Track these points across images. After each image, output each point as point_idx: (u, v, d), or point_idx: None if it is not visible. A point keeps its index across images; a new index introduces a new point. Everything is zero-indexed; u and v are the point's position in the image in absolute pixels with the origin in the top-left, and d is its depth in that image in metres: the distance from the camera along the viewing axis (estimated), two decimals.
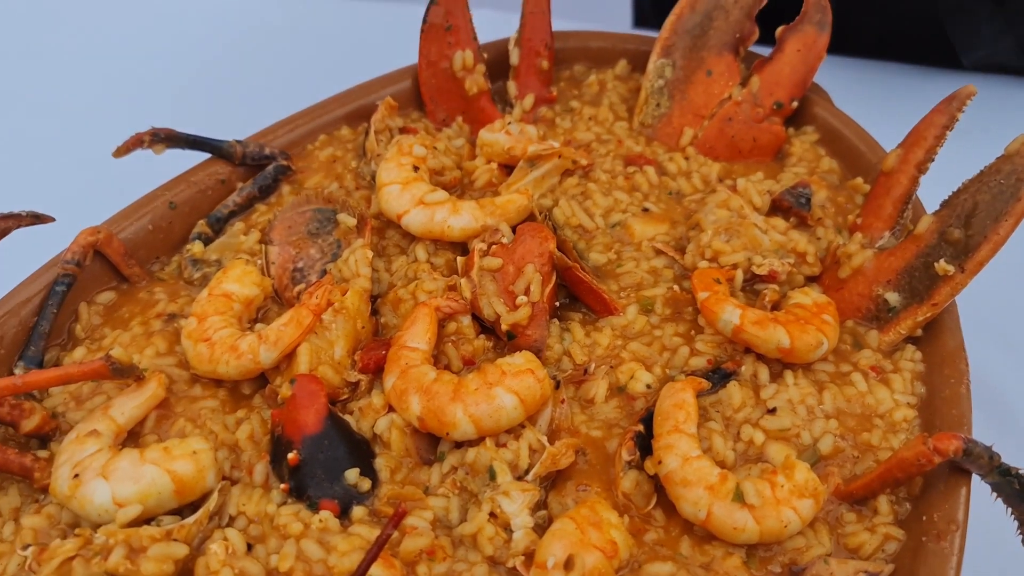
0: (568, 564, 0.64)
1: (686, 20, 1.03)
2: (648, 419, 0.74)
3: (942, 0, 1.27)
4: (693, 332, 0.82)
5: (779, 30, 1.02)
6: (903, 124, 0.88)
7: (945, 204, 0.83)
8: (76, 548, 0.65)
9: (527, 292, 0.80)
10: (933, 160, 0.85)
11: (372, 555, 0.63)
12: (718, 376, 0.78)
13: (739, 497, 0.68)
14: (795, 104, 1.01)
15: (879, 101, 1.28)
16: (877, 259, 0.85)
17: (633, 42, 1.10)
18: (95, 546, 0.65)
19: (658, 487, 0.72)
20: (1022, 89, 1.35)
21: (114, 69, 1.29)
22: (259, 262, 0.87)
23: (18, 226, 0.76)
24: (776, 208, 0.93)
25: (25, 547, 0.67)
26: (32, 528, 0.70)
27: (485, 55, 1.03)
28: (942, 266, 0.79)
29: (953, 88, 0.85)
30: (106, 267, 0.86)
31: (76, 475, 0.68)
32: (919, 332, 0.83)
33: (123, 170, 0.91)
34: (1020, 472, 0.70)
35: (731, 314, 0.78)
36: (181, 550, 0.65)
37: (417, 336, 0.78)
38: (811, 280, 0.88)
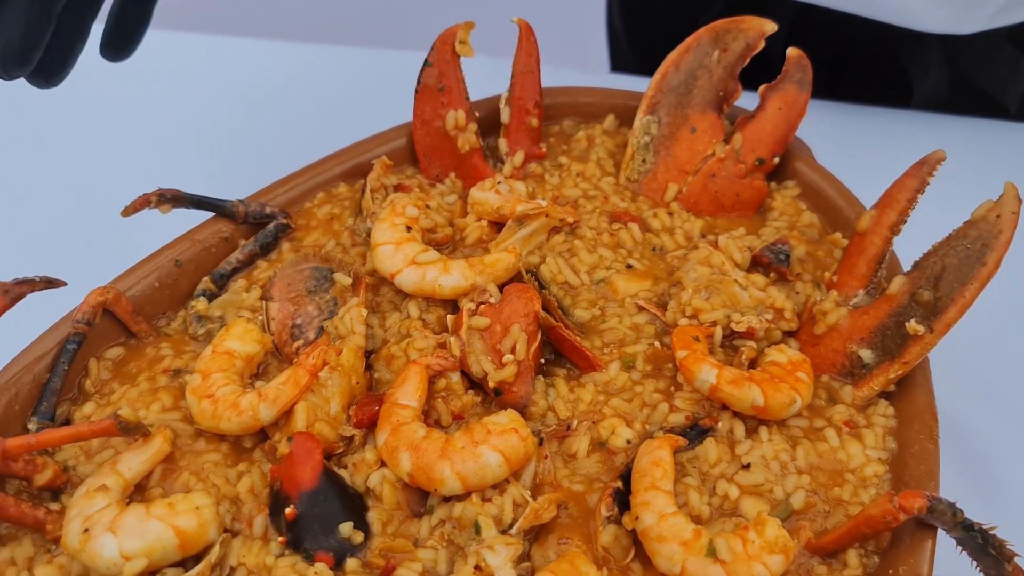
0: None
1: (671, 79, 1.08)
2: (627, 475, 0.78)
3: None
4: (672, 388, 0.86)
5: (761, 89, 1.06)
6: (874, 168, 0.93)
7: (916, 266, 0.86)
8: None
9: (513, 351, 0.84)
10: (905, 221, 0.89)
11: None
12: (695, 432, 0.82)
13: (711, 553, 0.72)
14: (776, 160, 1.05)
15: (850, 143, 1.34)
16: (851, 317, 0.88)
17: (621, 97, 1.14)
18: None
19: (636, 540, 0.76)
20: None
21: (117, 132, 1.35)
22: (260, 318, 0.91)
23: (32, 290, 0.81)
24: (756, 264, 0.97)
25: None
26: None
27: (477, 113, 1.07)
28: (912, 326, 0.83)
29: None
30: (115, 324, 0.90)
31: (86, 529, 0.72)
32: (892, 387, 0.86)
33: (130, 229, 0.95)
34: (983, 527, 0.73)
35: (708, 373, 0.82)
36: None
37: (408, 394, 0.82)
38: (788, 335, 0.92)
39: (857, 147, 1.33)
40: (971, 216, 0.83)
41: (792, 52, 1.05)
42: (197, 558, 0.74)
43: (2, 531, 0.79)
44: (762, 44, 1.07)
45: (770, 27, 1.06)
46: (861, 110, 1.43)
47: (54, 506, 0.78)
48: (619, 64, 1.82)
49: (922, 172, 0.88)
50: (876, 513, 0.73)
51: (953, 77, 1.44)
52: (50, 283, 0.82)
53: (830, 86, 1.31)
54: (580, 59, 1.60)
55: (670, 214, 1.03)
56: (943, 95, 1.46)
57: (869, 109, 1.43)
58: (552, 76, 1.11)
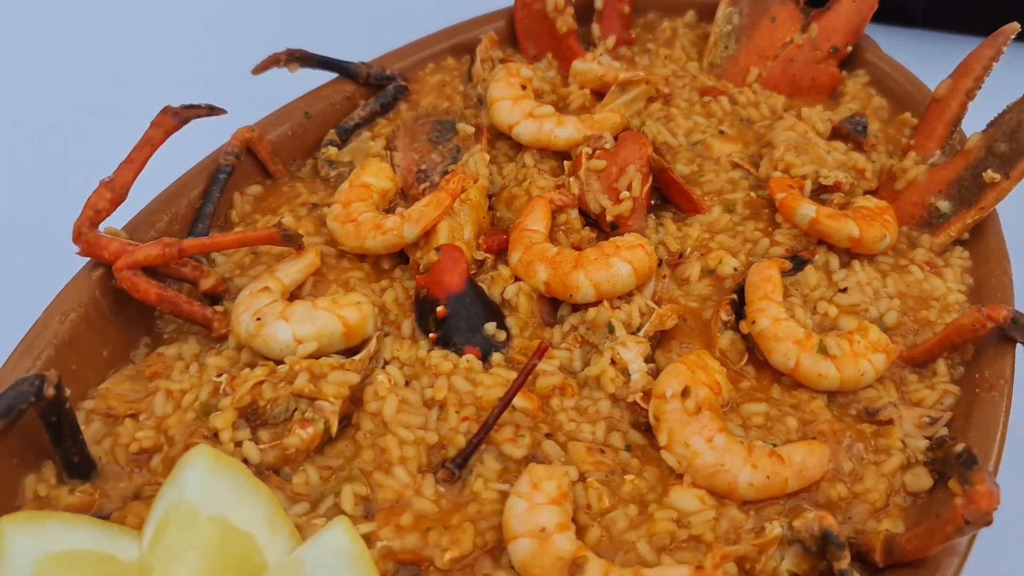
0: (684, 393, 0.76)
1: None
2: (739, 291, 0.86)
3: None
4: (771, 228, 0.94)
5: None
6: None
7: (992, 124, 0.95)
8: (265, 375, 0.77)
9: (629, 188, 0.92)
10: (980, 88, 0.98)
11: (520, 381, 0.75)
12: (796, 262, 0.90)
13: (823, 350, 0.80)
14: (849, 49, 1.14)
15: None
16: (929, 173, 0.97)
17: None
18: (280, 373, 0.77)
19: (748, 347, 0.84)
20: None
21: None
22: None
23: (197, 116, 0.88)
24: (835, 135, 1.05)
25: (219, 375, 0.79)
26: (216, 366, 0.81)
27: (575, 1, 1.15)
28: (989, 175, 0.92)
29: None
30: (254, 165, 0.98)
31: (258, 319, 0.80)
32: (966, 235, 0.95)
33: (260, 85, 1.02)
34: None
35: (807, 209, 0.90)
36: (354, 378, 0.77)
37: (536, 221, 0.90)
38: (868, 194, 1.01)
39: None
40: None
41: None
42: (353, 352, 0.81)
43: (167, 334, 0.87)
44: None
45: None
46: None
47: (218, 311, 0.85)
48: None
49: (997, 42, 0.97)
50: (966, 323, 0.82)
51: None
52: (212, 110, 0.89)
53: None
54: None
55: (754, 92, 1.11)
56: None
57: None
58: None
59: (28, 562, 0.59)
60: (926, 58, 1.17)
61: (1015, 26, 0.97)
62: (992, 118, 0.95)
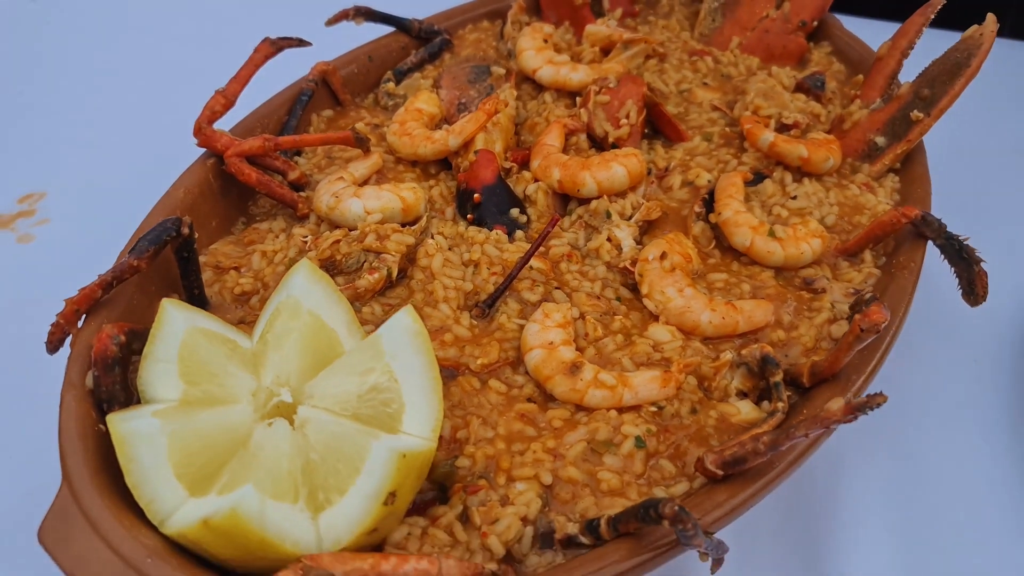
0: (662, 256, 0.99)
1: None
2: (711, 193, 1.09)
3: None
4: (740, 153, 1.17)
5: None
6: None
7: (919, 75, 1.18)
8: (341, 235, 1.00)
9: (627, 117, 1.16)
10: (913, 47, 1.21)
11: (538, 242, 0.98)
12: (757, 177, 1.13)
13: (772, 234, 1.03)
14: (815, 24, 1.38)
15: None
16: (870, 115, 1.20)
17: None
18: (353, 235, 1.00)
19: (716, 236, 1.07)
20: None
21: None
22: None
23: (289, 46, 1.12)
24: (799, 88, 1.29)
25: (304, 237, 1.02)
26: (300, 234, 1.04)
27: None
28: (915, 114, 1.15)
29: None
30: (328, 94, 1.22)
31: (336, 196, 1.03)
32: (898, 165, 1.18)
33: (331, 34, 1.27)
34: (959, 237, 1.04)
35: (768, 135, 1.14)
36: (410, 239, 1.00)
37: (552, 138, 1.13)
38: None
39: None
40: (961, 37, 1.16)
41: None
42: (410, 226, 1.05)
43: (259, 216, 1.11)
44: None
45: None
46: None
47: (301, 195, 1.09)
48: None
49: (927, 11, 1.20)
50: (886, 219, 1.04)
51: None
52: (301, 42, 1.13)
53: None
54: None
55: (734, 55, 1.35)
56: None
57: None
58: None
59: (181, 328, 0.83)
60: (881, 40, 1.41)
61: (940, 0, 1.20)
62: (920, 71, 1.19)
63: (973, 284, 1.02)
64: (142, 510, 0.74)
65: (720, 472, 0.81)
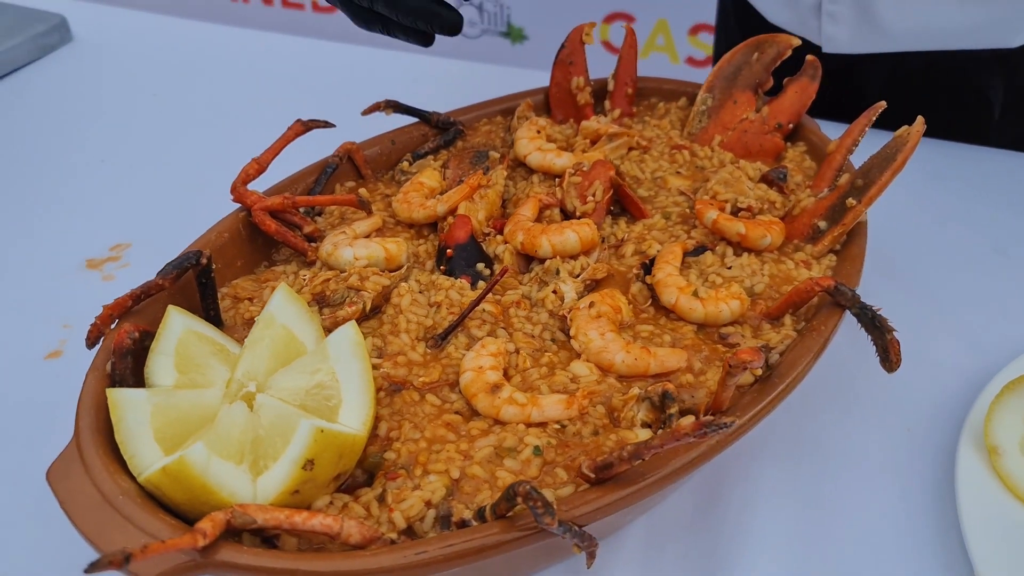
0: (591, 305, 1.16)
1: (724, 70, 1.59)
2: (652, 260, 1.26)
3: None
4: (691, 229, 1.34)
5: (785, 80, 1.56)
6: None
7: (858, 168, 1.33)
8: (332, 275, 1.22)
9: (594, 195, 1.35)
10: (857, 144, 1.36)
11: (489, 287, 1.17)
12: (700, 249, 1.29)
13: (695, 294, 1.19)
14: (791, 126, 1.54)
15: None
16: (816, 203, 1.35)
17: (691, 87, 1.66)
18: (341, 276, 1.22)
19: (652, 296, 1.23)
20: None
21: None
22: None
23: (316, 127, 1.37)
24: (763, 180, 1.45)
25: (304, 276, 1.25)
26: (303, 274, 1.27)
27: (592, 82, 1.62)
28: (850, 202, 1.29)
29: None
30: (352, 169, 1.47)
31: (334, 245, 1.26)
32: (838, 246, 1.31)
33: (365, 123, 1.52)
34: (872, 307, 1.16)
35: (712, 212, 1.30)
36: (386, 281, 1.20)
37: (526, 210, 1.33)
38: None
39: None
40: (895, 135, 1.30)
41: (809, 56, 1.55)
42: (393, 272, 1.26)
43: (279, 261, 1.34)
44: (789, 52, 1.57)
45: (795, 42, 1.57)
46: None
47: (312, 245, 1.32)
48: None
49: (869, 114, 1.35)
50: (802, 287, 1.17)
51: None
52: (327, 124, 1.38)
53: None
54: None
55: (712, 150, 1.53)
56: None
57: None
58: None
59: (179, 328, 1.05)
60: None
61: (882, 104, 1.35)
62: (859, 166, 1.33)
63: (887, 351, 1.13)
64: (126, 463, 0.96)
65: (592, 475, 0.96)
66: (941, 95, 1.89)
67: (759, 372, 1.07)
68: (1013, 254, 1.62)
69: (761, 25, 1.94)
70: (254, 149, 1.34)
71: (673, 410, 1.05)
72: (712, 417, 0.95)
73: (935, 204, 1.74)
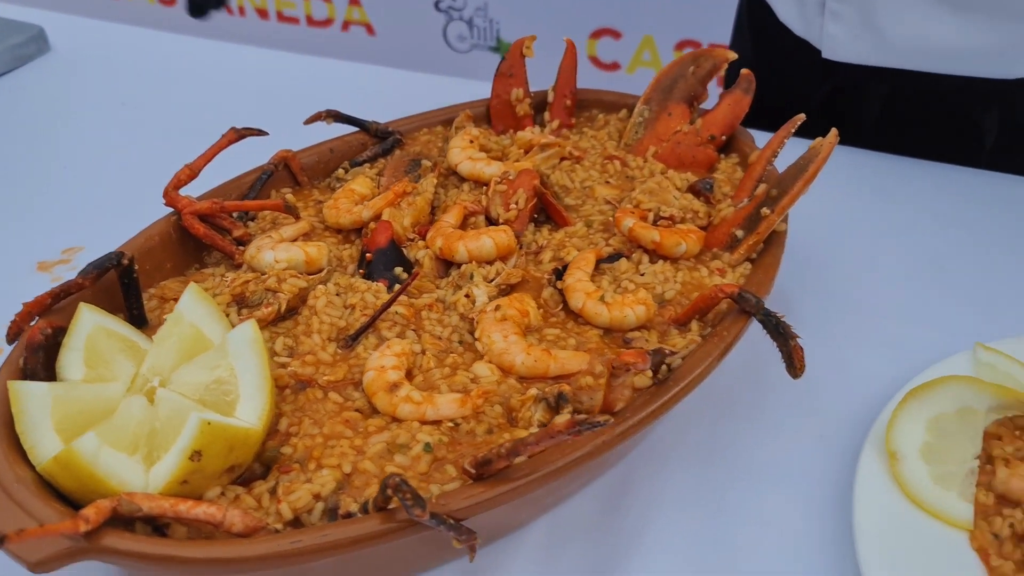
0: (497, 308, 1.19)
1: (661, 82, 1.62)
2: (565, 266, 1.29)
3: None
4: (610, 237, 1.37)
5: (721, 92, 1.59)
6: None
7: (775, 178, 1.35)
8: (252, 277, 1.25)
9: (517, 203, 1.38)
10: (777, 155, 1.39)
11: (400, 291, 1.20)
12: (616, 256, 1.32)
13: (602, 299, 1.21)
14: (724, 138, 1.57)
15: None
16: (735, 212, 1.37)
17: (632, 100, 1.69)
18: (261, 278, 1.25)
19: (563, 300, 1.26)
20: None
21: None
22: (373, 182, 1.49)
23: (250, 134, 1.41)
24: (690, 190, 1.47)
25: (226, 278, 1.29)
26: (226, 276, 1.31)
27: (533, 95, 1.65)
28: (764, 211, 1.32)
29: None
30: (289, 177, 1.51)
31: (258, 248, 1.30)
32: (754, 255, 1.34)
33: (306, 132, 1.56)
34: (776, 314, 1.18)
35: (629, 220, 1.33)
36: (303, 283, 1.24)
37: (450, 217, 1.37)
38: (701, 228, 1.41)
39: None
40: (807, 149, 1.32)
41: (744, 71, 1.58)
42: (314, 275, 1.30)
43: (210, 263, 1.38)
44: (725, 66, 1.60)
45: (731, 56, 1.60)
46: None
47: (240, 248, 1.36)
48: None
49: (789, 127, 1.38)
50: (707, 294, 1.20)
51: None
52: (261, 132, 1.42)
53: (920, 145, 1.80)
54: None
55: (645, 161, 1.55)
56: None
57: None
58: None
59: (89, 324, 1.09)
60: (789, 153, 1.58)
61: (801, 116, 1.38)
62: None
63: (791, 357, 1.16)
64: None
65: (473, 471, 0.99)
66: (936, 122, 1.91)
67: (648, 375, 1.10)
68: (950, 267, 1.63)
69: (771, 26, 1.98)
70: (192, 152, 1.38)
71: (566, 411, 1.08)
72: (585, 416, 0.97)
73: (881, 218, 1.76)
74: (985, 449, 1.21)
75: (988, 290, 1.57)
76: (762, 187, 1.35)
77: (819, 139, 1.32)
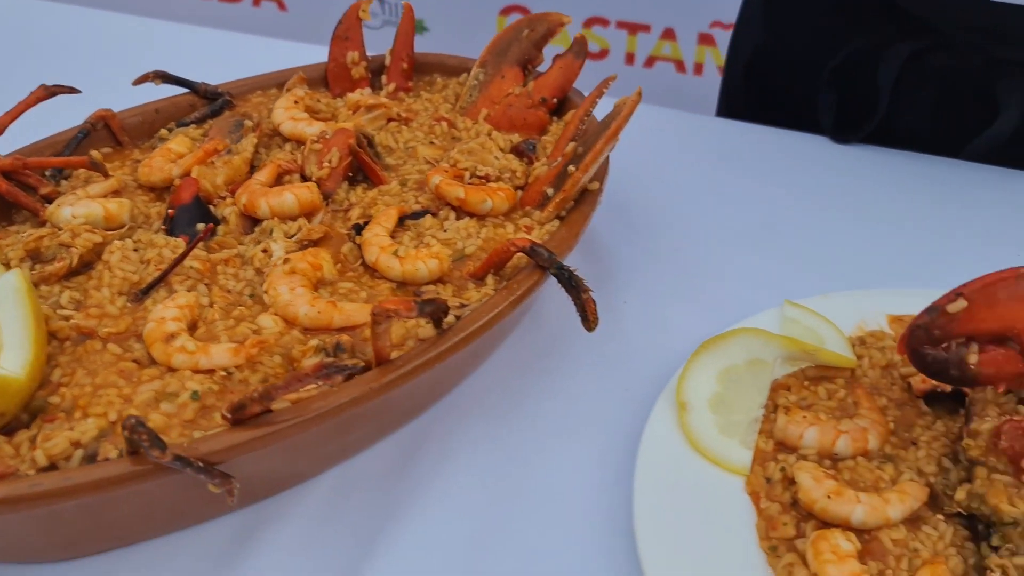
0: (286, 262, 1.19)
1: (497, 45, 1.63)
2: (367, 221, 1.29)
3: None
4: (420, 195, 1.37)
5: (554, 56, 1.60)
6: None
7: (582, 137, 1.37)
8: (47, 232, 1.24)
9: (330, 161, 1.38)
10: (589, 115, 1.40)
11: (192, 245, 1.20)
12: (422, 213, 1.33)
13: (395, 253, 1.22)
14: (555, 101, 1.58)
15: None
16: (548, 171, 1.39)
17: (472, 64, 1.70)
18: (56, 233, 1.24)
19: (361, 256, 1.26)
20: None
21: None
22: (199, 143, 1.48)
23: (61, 92, 1.40)
24: (513, 151, 1.48)
25: (24, 234, 1.27)
26: (23, 232, 1.29)
27: (370, 59, 1.65)
28: (570, 169, 1.33)
29: None
30: (109, 138, 1.49)
31: (58, 204, 1.29)
32: (563, 212, 1.35)
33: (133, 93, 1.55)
34: (569, 267, 1.20)
35: (437, 177, 1.34)
36: (98, 238, 1.23)
37: (262, 175, 1.36)
38: (518, 189, 1.43)
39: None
40: (613, 107, 1.34)
41: (577, 35, 1.60)
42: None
43: (19, 220, 1.36)
44: (560, 31, 1.61)
45: (566, 20, 1.61)
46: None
47: (47, 206, 1.34)
48: (727, 110, 2.17)
49: (600, 87, 1.40)
50: (500, 248, 1.21)
51: None
52: (72, 90, 1.41)
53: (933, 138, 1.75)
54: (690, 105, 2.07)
55: (474, 122, 1.56)
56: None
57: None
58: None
59: None
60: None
61: (614, 76, 1.39)
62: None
63: (584, 310, 1.17)
64: None
65: (229, 415, 0.99)
66: (952, 103, 1.80)
67: (420, 323, 1.11)
68: (780, 229, 1.66)
69: None
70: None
71: (345, 361, 1.09)
72: (332, 360, 0.98)
73: (719, 182, 1.79)
74: (772, 399, 1.24)
75: (809, 251, 1.60)
76: (571, 145, 1.37)
77: (624, 97, 1.34)
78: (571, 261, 1.22)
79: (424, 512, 1.14)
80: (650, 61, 4.10)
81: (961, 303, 1.02)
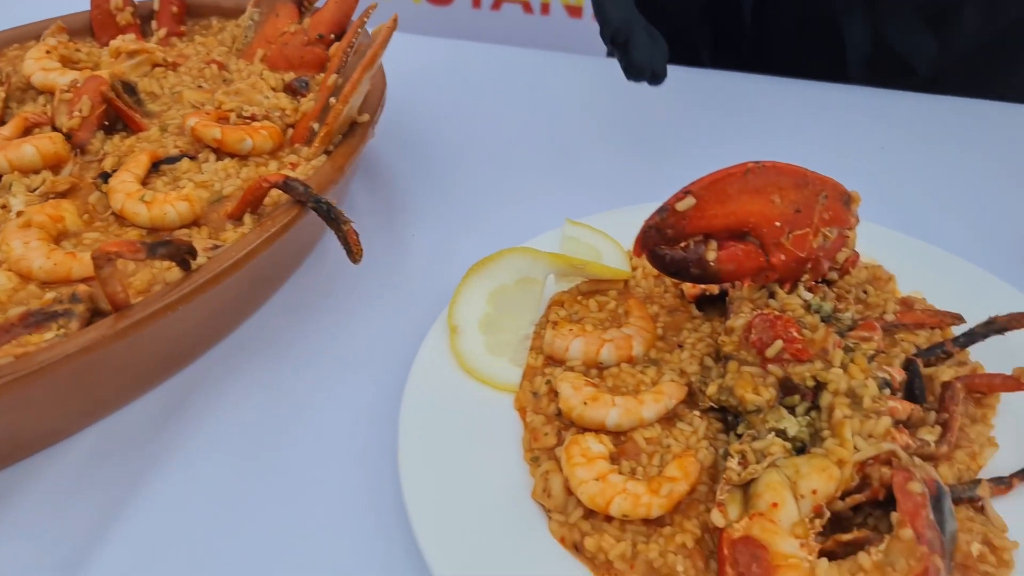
0: (19, 215, 1.13)
1: None
2: (115, 169, 1.24)
3: None
4: (180, 142, 1.32)
5: None
6: None
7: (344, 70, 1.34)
8: None
9: (80, 111, 1.31)
10: (353, 45, 1.37)
11: None
12: (177, 157, 1.28)
13: (142, 198, 1.18)
14: (333, 37, 1.54)
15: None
16: (314, 106, 1.35)
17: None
18: None
19: (109, 205, 1.21)
20: None
21: None
22: None
23: None
24: (287, 89, 1.44)
25: None
26: None
27: (138, 4, 1.58)
28: (331, 101, 1.30)
29: None
30: None
31: None
32: (330, 147, 1.32)
33: None
34: (328, 201, 1.17)
35: (193, 120, 1.29)
36: None
37: (7, 130, 1.29)
38: (289, 128, 1.39)
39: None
40: (370, 35, 1.31)
41: None
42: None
43: None
44: None
45: None
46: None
47: None
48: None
49: (362, 17, 1.37)
50: (254, 185, 1.17)
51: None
52: None
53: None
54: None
55: (249, 64, 1.51)
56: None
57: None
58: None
59: None
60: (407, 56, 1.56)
61: (374, 5, 1.36)
62: None
63: (347, 242, 1.15)
64: None
65: None
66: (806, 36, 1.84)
67: (161, 265, 1.07)
68: (570, 154, 1.67)
69: None
70: None
71: (79, 309, 1.04)
72: (38, 308, 0.94)
73: (513, 113, 1.78)
74: (547, 315, 1.24)
75: (596, 173, 1.61)
76: (332, 78, 1.34)
77: (381, 24, 1.31)
78: (357, 197, 1.20)
79: (186, 461, 1.11)
80: (497, 3, 4.06)
81: (690, 200, 1.04)
